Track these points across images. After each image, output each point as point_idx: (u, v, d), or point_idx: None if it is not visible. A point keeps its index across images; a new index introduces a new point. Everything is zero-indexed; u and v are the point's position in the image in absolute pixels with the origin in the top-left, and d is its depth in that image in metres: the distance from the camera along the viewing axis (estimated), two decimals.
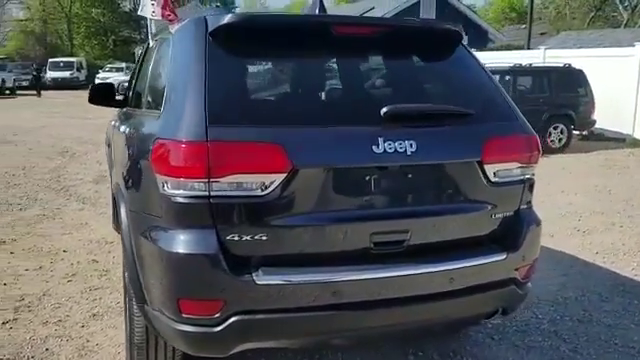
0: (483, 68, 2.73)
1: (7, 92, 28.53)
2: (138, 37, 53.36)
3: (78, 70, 36.18)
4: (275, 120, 2.24)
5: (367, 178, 2.28)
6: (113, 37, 50.66)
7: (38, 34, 44.59)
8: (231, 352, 2.32)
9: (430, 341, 3.33)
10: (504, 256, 2.51)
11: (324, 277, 2.23)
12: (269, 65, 2.48)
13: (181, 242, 2.15)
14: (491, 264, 2.50)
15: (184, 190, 2.13)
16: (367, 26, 2.62)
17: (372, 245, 2.31)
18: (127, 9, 57.59)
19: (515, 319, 3.66)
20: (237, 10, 64.53)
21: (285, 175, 2.14)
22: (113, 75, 33.65)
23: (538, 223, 2.72)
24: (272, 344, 2.44)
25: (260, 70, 2.42)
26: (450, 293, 2.43)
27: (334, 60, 2.69)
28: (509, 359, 3.20)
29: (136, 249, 2.39)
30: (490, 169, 2.48)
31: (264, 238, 2.17)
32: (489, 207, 2.52)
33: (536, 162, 2.67)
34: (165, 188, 2.17)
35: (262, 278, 2.14)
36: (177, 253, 2.14)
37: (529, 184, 2.67)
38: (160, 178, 2.19)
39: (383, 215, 2.35)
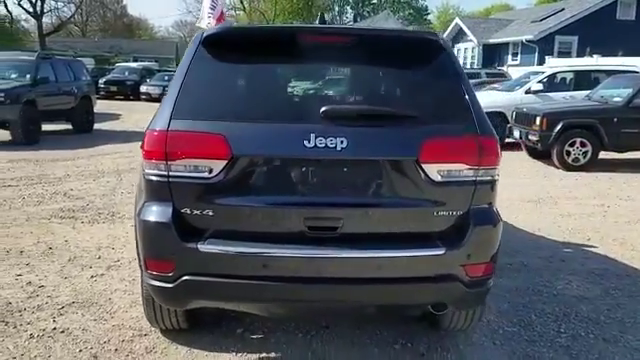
0: (453, 73, 2.84)
1: None
2: None
3: None
4: (223, 116, 2.64)
5: (301, 169, 2.59)
6: None
7: None
8: (188, 306, 2.80)
9: (423, 334, 3.45)
10: (442, 251, 2.62)
11: (257, 250, 2.59)
12: (233, 69, 2.86)
13: (148, 212, 2.67)
14: (426, 257, 2.63)
15: (152, 170, 2.65)
16: (326, 35, 2.90)
17: (307, 229, 2.61)
18: (327, 19, 61.03)
19: (530, 328, 3.62)
20: (429, 17, 64.52)
21: (226, 162, 2.56)
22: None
23: (494, 224, 2.77)
24: (218, 304, 2.87)
25: (225, 73, 2.82)
26: (380, 279, 2.62)
27: (291, 66, 2.99)
28: None
29: (135, 222, 2.96)
30: (431, 168, 2.61)
31: (210, 214, 2.60)
32: (431, 204, 2.65)
33: (491, 164, 2.72)
34: (144, 170, 2.71)
35: (205, 247, 2.58)
36: (144, 221, 2.67)
37: (487, 185, 2.73)
38: (142, 162, 2.73)
39: (315, 203, 2.63)
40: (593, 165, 9.72)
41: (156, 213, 2.64)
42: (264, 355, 3.22)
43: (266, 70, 2.92)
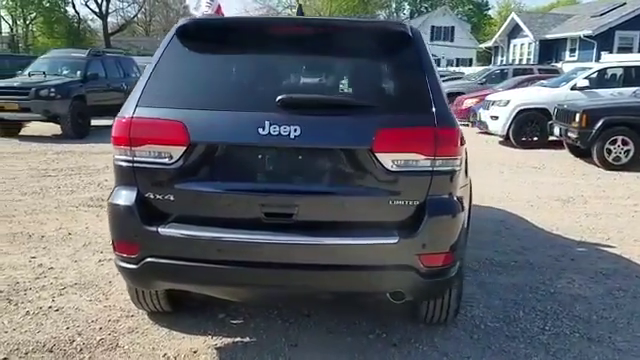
0: (417, 64, 2.84)
1: None
2: None
3: None
4: (184, 104, 2.75)
5: (257, 156, 2.66)
6: None
7: None
8: (153, 288, 2.93)
9: (401, 326, 3.46)
10: (395, 240, 2.64)
11: (214, 235, 2.68)
12: (199, 59, 2.95)
13: (116, 196, 2.81)
14: (380, 246, 2.65)
15: (120, 156, 2.79)
16: (290, 26, 2.96)
17: (263, 215, 2.68)
18: (382, 17, 60.76)
19: (514, 324, 3.56)
20: (490, 12, 63.11)
21: (185, 148, 2.66)
22: None
23: (453, 214, 2.76)
24: (181, 287, 2.98)
25: (191, 63, 2.91)
26: (334, 266, 2.67)
27: (254, 56, 3.03)
28: (469, 357, 3.18)
29: None
30: (385, 158, 2.63)
31: (172, 199, 2.72)
32: (386, 193, 2.67)
33: (450, 155, 2.71)
34: (114, 156, 2.85)
35: (164, 230, 2.69)
36: (111, 204, 2.81)
37: (445, 176, 2.73)
38: (113, 149, 2.88)
39: (270, 190, 2.69)
40: (635, 165, 9.33)
41: (122, 197, 2.77)
42: (238, 339, 3.31)
43: (228, 60, 3.00)
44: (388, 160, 2.64)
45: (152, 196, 2.73)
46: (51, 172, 8.36)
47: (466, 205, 3.09)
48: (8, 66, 18.16)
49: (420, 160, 2.67)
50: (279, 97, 2.62)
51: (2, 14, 45.09)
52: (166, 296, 3.34)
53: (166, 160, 2.69)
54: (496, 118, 12.44)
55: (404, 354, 3.19)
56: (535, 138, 11.96)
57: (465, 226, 3.08)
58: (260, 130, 2.59)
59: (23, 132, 12.56)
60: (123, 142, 2.74)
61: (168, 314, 3.53)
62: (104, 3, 44.94)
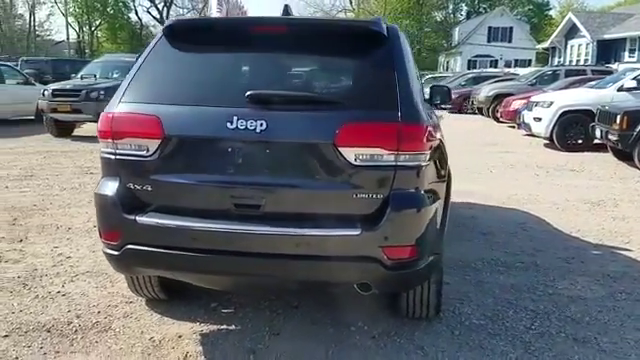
0: (386, 61, 2.91)
1: None
2: (445, 45, 55.46)
3: None
4: (161, 99, 2.92)
5: (226, 150, 2.80)
6: (418, 47, 53.46)
7: None
8: (135, 274, 3.12)
9: (385, 320, 3.52)
10: (358, 232, 2.72)
11: (187, 224, 2.83)
12: (179, 57, 3.10)
13: (101, 187, 3.01)
14: (343, 237, 2.74)
15: (105, 149, 2.99)
16: (264, 25, 3.08)
17: (233, 206, 2.82)
18: (438, 19, 60.08)
19: (500, 322, 3.56)
20: (551, 12, 61.35)
21: (160, 141, 2.83)
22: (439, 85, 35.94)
23: (418, 209, 2.82)
24: (159, 273, 3.15)
25: (172, 61, 3.08)
26: (300, 256, 2.77)
27: (230, 55, 3.16)
28: (444, 351, 3.21)
29: None
30: (348, 152, 2.71)
31: (149, 189, 2.89)
32: (350, 187, 2.76)
33: (414, 150, 2.77)
34: (100, 149, 3.05)
35: (141, 219, 2.87)
36: (97, 194, 3.02)
37: (410, 171, 2.78)
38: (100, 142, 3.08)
39: (239, 182, 2.82)
40: None
41: (106, 188, 2.97)
42: (224, 327, 3.46)
43: (205, 58, 3.16)
44: (351, 154, 2.72)
45: (132, 187, 2.91)
46: (93, 170, 8.78)
47: (440, 199, 3.12)
48: (68, 70, 19.14)
49: (383, 155, 2.73)
50: (247, 93, 2.75)
51: (70, 21, 47.25)
52: (160, 284, 3.52)
53: (144, 153, 2.86)
54: (539, 120, 12.17)
55: (380, 346, 3.26)
56: (580, 141, 11.64)
57: (439, 220, 3.11)
58: (228, 124, 2.73)
59: (76, 132, 13.23)
60: (106, 135, 2.93)
61: (164, 302, 3.72)
62: (165, 10, 46.37)
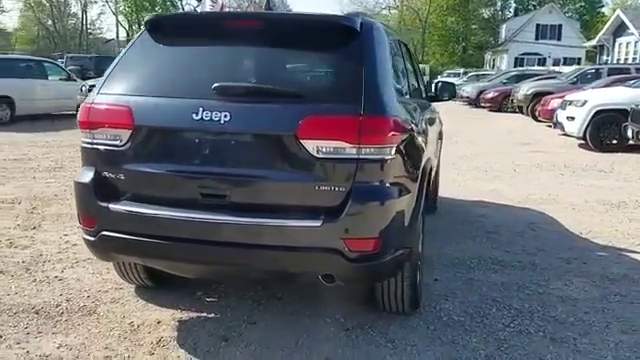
0: (356, 56, 2.94)
1: None
2: (493, 42, 54.47)
3: None
4: (133, 91, 3.03)
5: (193, 140, 2.88)
6: (464, 44, 52.77)
7: None
8: (111, 260, 3.25)
9: (362, 313, 3.54)
10: (319, 223, 2.75)
11: (155, 212, 2.92)
12: (156, 50, 3.19)
13: (79, 175, 3.14)
14: (304, 228, 2.78)
15: (83, 139, 3.12)
16: (238, 19, 3.15)
17: (200, 195, 2.90)
18: (486, 15, 59.05)
19: (479, 320, 3.54)
20: (603, 9, 59.46)
21: (131, 131, 2.93)
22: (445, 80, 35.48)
23: (382, 202, 2.83)
24: (132, 260, 3.26)
25: (149, 54, 3.18)
26: (264, 246, 2.83)
27: (203, 48, 3.23)
28: (414, 345, 3.22)
29: None
30: (309, 144, 2.75)
31: (122, 178, 3.00)
32: (312, 179, 2.80)
33: (377, 144, 2.79)
34: (81, 139, 3.18)
35: (113, 207, 2.98)
36: (75, 182, 3.15)
37: (374, 164, 2.81)
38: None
39: (205, 172, 2.90)
40: None
41: (83, 176, 3.10)
42: (204, 315, 3.55)
43: (177, 51, 3.26)
44: (313, 147, 2.75)
45: (107, 175, 3.03)
46: None
47: (411, 194, 3.12)
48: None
49: (345, 148, 2.76)
50: (214, 85, 2.83)
51: (119, 20, 48.58)
52: (145, 271, 3.64)
53: (117, 142, 2.98)
54: (572, 119, 11.87)
55: (351, 338, 3.28)
56: (614, 141, 11.28)
57: (410, 214, 3.12)
58: (194, 115, 2.81)
59: None
60: (84, 126, 3.06)
61: (152, 289, 3.84)
62: None
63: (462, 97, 27.46)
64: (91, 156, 3.08)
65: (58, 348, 3.09)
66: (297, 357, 3.09)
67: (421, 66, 40.44)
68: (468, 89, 26.88)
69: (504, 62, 47.47)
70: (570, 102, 12.10)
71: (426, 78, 32.02)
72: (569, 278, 4.32)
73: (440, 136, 5.96)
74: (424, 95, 5.24)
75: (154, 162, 2.97)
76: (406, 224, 3.08)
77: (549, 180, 8.42)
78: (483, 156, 10.75)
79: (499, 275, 4.35)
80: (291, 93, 2.86)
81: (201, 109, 2.81)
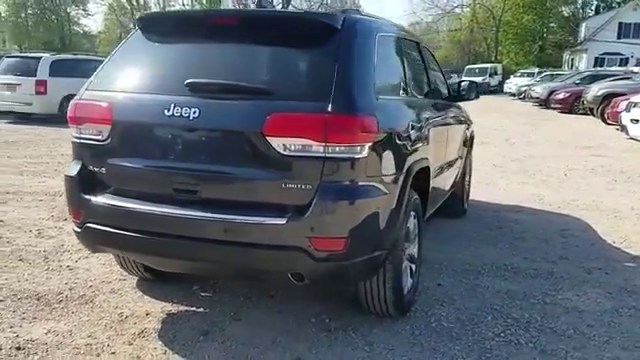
0: (330, 54, 2.91)
1: None
2: (571, 41, 52.26)
3: (491, 76, 38.16)
4: (115, 88, 3.12)
5: (166, 136, 2.94)
6: (540, 43, 50.91)
7: (463, 43, 48.43)
8: (97, 251, 3.35)
9: (349, 315, 3.50)
10: (283, 221, 2.74)
11: (133, 206, 3.00)
12: (142, 47, 3.25)
13: (68, 169, 3.27)
14: (269, 225, 2.77)
15: (73, 134, 3.24)
16: (217, 17, 3.18)
17: (173, 191, 2.95)
18: (566, 14, 56.75)
19: (469, 328, 3.41)
20: None
21: (111, 127, 3.03)
22: (518, 80, 34.44)
23: (351, 201, 2.80)
24: (114, 252, 3.35)
25: (136, 51, 3.26)
26: (232, 242, 2.85)
27: (184, 45, 3.26)
28: (392, 350, 3.14)
29: None
30: (276, 141, 2.74)
31: (104, 171, 3.11)
32: (279, 176, 2.79)
33: (345, 142, 2.75)
34: (71, 134, 3.31)
35: (94, 200, 3.09)
36: (65, 175, 3.28)
37: (342, 162, 2.77)
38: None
39: (177, 168, 2.94)
40: None
41: (71, 169, 3.23)
42: (192, 308, 3.62)
43: (160, 48, 3.32)
44: (280, 144, 2.74)
45: (92, 169, 3.15)
46: None
47: (389, 195, 3.04)
48: None
49: (312, 146, 2.73)
50: (186, 81, 2.88)
51: None
52: (143, 264, 3.74)
53: (99, 137, 3.08)
54: (637, 122, 11.22)
55: (331, 339, 3.25)
56: None
57: (388, 215, 3.04)
58: (166, 111, 2.87)
59: None
60: (72, 121, 3.19)
61: (152, 281, 3.95)
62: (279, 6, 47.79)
63: (532, 98, 26.58)
64: (78, 150, 3.21)
65: (46, 334, 3.23)
66: (270, 355, 3.08)
67: (492, 65, 39.51)
68: (538, 89, 25.96)
69: (583, 62, 45.42)
70: (635, 104, 11.45)
71: (497, 78, 31.37)
72: (584, 288, 4.10)
73: (466, 138, 5.77)
74: (445, 95, 5.11)
75: (131, 157, 3.05)
76: (383, 225, 3.01)
77: (599, 186, 8.00)
78: (537, 159, 10.35)
79: (508, 283, 4.18)
80: (259, 90, 2.86)
81: (172, 105, 2.86)
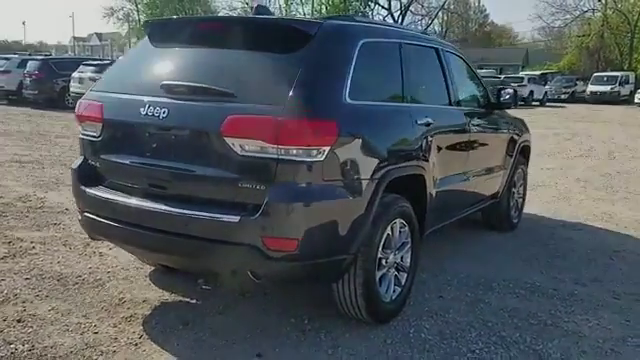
0: (298, 59, 3.00)
1: (535, 103, 31.26)
2: None
3: (621, 84, 35.46)
4: (109, 88, 3.40)
5: (143, 134, 3.16)
6: None
7: (592, 49, 45.33)
8: (95, 239, 3.64)
9: (328, 318, 3.53)
10: (237, 219, 2.86)
11: (116, 199, 3.26)
12: (141, 51, 3.52)
13: (73, 162, 3.61)
14: (222, 222, 2.89)
15: (81, 130, 3.57)
16: (202, 23, 3.35)
17: (148, 185, 3.18)
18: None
19: (450, 340, 3.31)
20: None
21: (102, 124, 3.31)
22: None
23: (306, 203, 2.88)
24: (108, 240, 3.61)
25: (136, 54, 3.53)
26: (191, 236, 3.01)
27: (168, 49, 3.45)
28: (354, 355, 3.14)
29: None
30: (233, 142, 2.87)
31: (98, 165, 3.40)
32: (235, 175, 2.91)
33: (298, 145, 2.81)
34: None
35: (87, 191, 3.39)
36: (70, 168, 3.61)
37: (296, 165, 2.84)
38: None
39: (150, 164, 3.15)
40: None
41: (74, 163, 3.56)
42: (187, 299, 3.83)
43: (151, 52, 3.56)
44: (236, 145, 2.86)
45: (90, 163, 3.46)
46: None
47: (352, 199, 3.05)
48: None
49: (265, 148, 2.82)
50: (161, 83, 3.09)
51: None
52: None
53: (95, 134, 3.39)
54: None
55: (300, 339, 3.31)
56: None
57: (350, 219, 3.05)
58: (142, 110, 3.09)
59: None
60: (77, 119, 3.52)
61: (164, 272, 4.22)
62: (400, 18, 47.70)
63: None
64: (82, 146, 3.53)
65: (49, 311, 3.58)
66: (236, 348, 3.21)
67: (624, 73, 36.59)
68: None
69: None
70: None
71: (628, 87, 29.13)
72: (600, 313, 3.81)
73: (512, 148, 5.50)
74: (481, 103, 4.97)
75: (117, 153, 3.32)
76: (345, 230, 3.03)
77: None
78: (631, 176, 9.55)
79: (517, 301, 3.98)
80: (222, 92, 2.99)
81: (148, 105, 3.09)
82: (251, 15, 3.85)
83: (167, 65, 3.37)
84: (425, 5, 50.90)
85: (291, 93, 2.85)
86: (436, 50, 4.35)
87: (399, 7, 48.73)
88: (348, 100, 3.09)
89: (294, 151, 2.82)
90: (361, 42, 3.34)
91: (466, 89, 4.80)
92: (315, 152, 2.85)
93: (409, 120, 3.63)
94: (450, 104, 4.36)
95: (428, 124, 3.78)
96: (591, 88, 34.96)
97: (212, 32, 3.33)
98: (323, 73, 3.03)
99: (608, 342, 3.40)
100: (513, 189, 5.73)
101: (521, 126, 5.87)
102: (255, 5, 3.73)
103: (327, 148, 2.89)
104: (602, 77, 36.07)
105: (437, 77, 4.31)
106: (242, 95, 2.96)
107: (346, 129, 3.00)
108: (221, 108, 2.93)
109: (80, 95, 3.88)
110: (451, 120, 4.27)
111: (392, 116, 3.54)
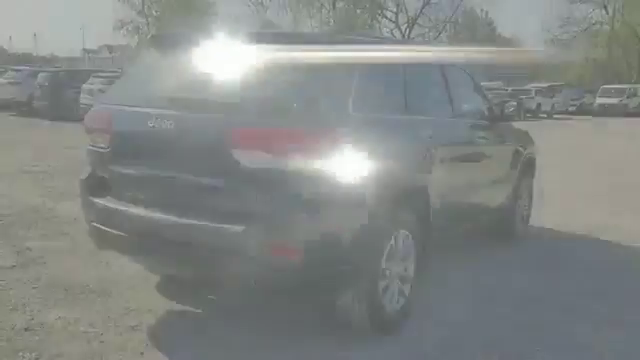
0: (304, 72, 3.08)
1: (543, 115, 31.18)
2: None
3: (629, 97, 35.41)
4: (117, 101, 3.47)
5: (150, 145, 3.23)
6: None
7: (600, 62, 45.33)
8: (102, 249, 3.69)
9: (327, 327, 3.56)
10: (241, 229, 2.92)
11: (123, 209, 3.32)
12: (146, 65, 3.63)
13: (81, 173, 3.68)
14: (227, 232, 2.95)
15: (89, 142, 3.64)
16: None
17: (155, 196, 3.24)
18: None
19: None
20: None
21: (111, 135, 3.38)
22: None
23: (311, 214, 2.93)
24: (112, 250, 3.66)
25: (140, 68, 3.62)
26: (193, 245, 3.08)
27: (175, 63, 3.52)
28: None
29: None
30: (238, 153, 2.92)
31: (106, 176, 3.46)
32: (240, 186, 2.97)
33: (303, 156, 2.85)
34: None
35: (95, 201, 3.45)
36: (79, 179, 3.68)
37: (303, 176, 2.88)
38: None
39: (156, 175, 3.25)
40: None
41: (83, 174, 3.63)
42: (192, 309, 3.89)
43: (158, 65, 3.65)
44: (241, 156, 2.93)
45: (98, 174, 3.52)
46: None
47: (352, 209, 3.08)
48: None
49: (270, 158, 2.88)
50: (166, 95, 3.18)
51: None
52: None
53: (103, 145, 3.46)
54: None
55: (305, 350, 3.34)
56: None
57: (350, 230, 3.10)
58: (149, 122, 3.16)
59: None
60: (87, 131, 3.59)
61: (170, 281, 4.26)
62: (407, 30, 47.98)
63: None
64: (89, 157, 3.60)
65: (56, 319, 3.62)
66: (242, 358, 3.27)
67: (632, 86, 36.41)
68: None
69: None
70: None
71: (637, 100, 28.88)
72: (611, 331, 3.76)
73: (517, 160, 5.53)
74: (484, 116, 5.00)
75: (124, 163, 3.40)
76: (347, 240, 3.06)
77: None
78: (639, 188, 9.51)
79: (527, 315, 3.98)
80: (226, 104, 3.07)
81: (155, 117, 3.15)
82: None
83: (173, 77, 3.43)
84: (432, 18, 51.07)
85: (296, 104, 2.90)
86: (440, 66, 4.39)
87: (406, 20, 48.94)
88: (353, 112, 3.15)
89: (299, 162, 2.86)
90: None
91: (469, 102, 4.83)
92: (319, 163, 2.89)
93: (413, 132, 3.67)
94: (453, 116, 4.40)
95: (431, 136, 3.82)
96: (599, 101, 34.95)
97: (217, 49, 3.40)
98: (328, 85, 3.08)
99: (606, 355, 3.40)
100: (519, 201, 5.74)
101: (526, 138, 5.90)
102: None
103: (331, 159, 2.93)
104: (610, 90, 36.01)
105: (438, 91, 4.35)
106: (247, 107, 3.02)
107: (350, 140, 3.05)
108: (227, 120, 2.99)
109: (90, 106, 3.95)
110: (454, 132, 4.31)
111: (396, 128, 3.58)
